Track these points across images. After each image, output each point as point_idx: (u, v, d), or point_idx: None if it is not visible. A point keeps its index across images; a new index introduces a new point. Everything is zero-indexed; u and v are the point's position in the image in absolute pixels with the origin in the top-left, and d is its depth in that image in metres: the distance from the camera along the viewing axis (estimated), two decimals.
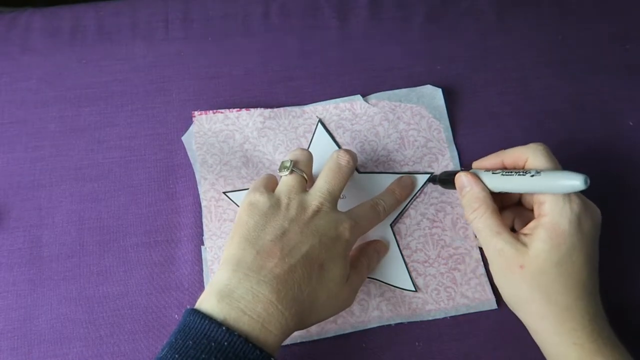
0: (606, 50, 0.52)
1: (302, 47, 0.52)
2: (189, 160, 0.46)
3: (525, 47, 0.52)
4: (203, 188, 0.45)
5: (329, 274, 0.35)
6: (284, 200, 0.37)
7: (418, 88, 0.49)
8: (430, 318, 0.41)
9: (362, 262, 0.40)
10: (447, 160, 0.46)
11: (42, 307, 0.41)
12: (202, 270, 0.42)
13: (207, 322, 0.30)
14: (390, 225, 0.44)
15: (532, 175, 0.34)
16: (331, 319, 0.41)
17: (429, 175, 0.45)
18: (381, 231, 0.44)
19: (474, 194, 0.37)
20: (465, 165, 0.46)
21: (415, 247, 0.43)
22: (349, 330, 0.41)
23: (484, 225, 0.36)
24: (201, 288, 0.42)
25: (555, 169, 0.36)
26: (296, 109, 0.48)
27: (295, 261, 0.34)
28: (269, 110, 0.48)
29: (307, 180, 0.39)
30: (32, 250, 0.43)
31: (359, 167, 0.46)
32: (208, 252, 0.43)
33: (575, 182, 0.32)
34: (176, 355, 0.30)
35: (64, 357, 0.40)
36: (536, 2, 0.54)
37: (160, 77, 0.50)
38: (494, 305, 0.41)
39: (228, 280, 0.33)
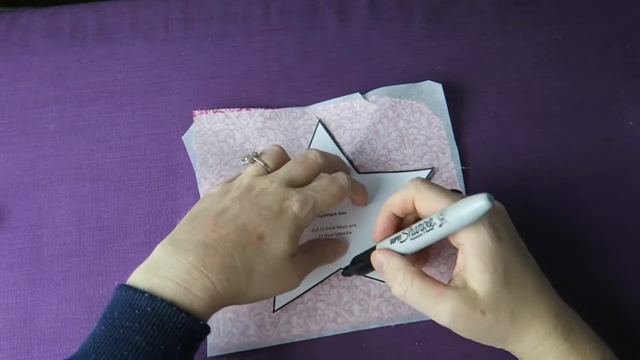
0: (606, 50, 0.52)
1: (302, 47, 0.52)
2: (189, 160, 0.46)
3: (525, 47, 0.52)
4: (203, 188, 0.45)
5: (269, 247, 0.34)
6: (235, 185, 0.37)
7: (418, 84, 0.49)
8: (430, 318, 0.41)
9: (315, 250, 0.40)
10: (448, 159, 0.46)
11: (42, 307, 0.41)
12: None
13: (131, 292, 0.30)
14: None
15: (440, 225, 0.31)
16: (331, 318, 0.41)
17: (428, 172, 0.45)
18: None
19: (394, 266, 0.34)
20: (466, 164, 0.46)
21: None
22: (349, 330, 0.41)
23: (419, 292, 0.33)
24: None
25: (446, 198, 0.33)
26: (296, 110, 0.48)
27: (227, 231, 0.34)
28: (270, 110, 0.48)
29: (270, 172, 0.39)
30: (32, 250, 0.43)
31: (358, 167, 0.46)
32: None
33: (481, 204, 0.29)
34: (102, 327, 0.30)
35: (64, 357, 0.39)
36: (536, 2, 0.54)
37: (160, 77, 0.50)
38: None
39: (157, 255, 0.33)
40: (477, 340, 0.34)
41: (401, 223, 0.38)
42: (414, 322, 0.41)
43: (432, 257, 0.41)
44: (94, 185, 0.45)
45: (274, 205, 0.35)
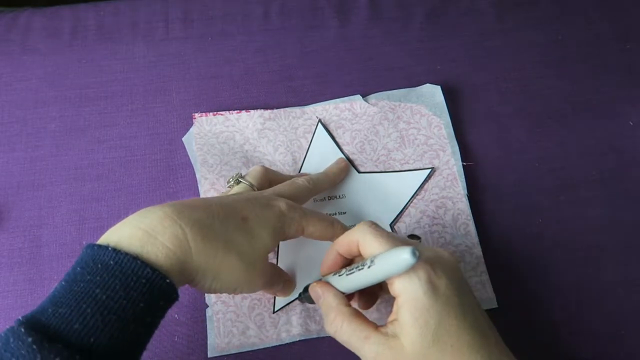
0: (606, 50, 0.52)
1: (302, 47, 0.52)
2: (189, 160, 0.46)
3: (525, 47, 0.52)
4: (203, 188, 0.45)
5: (252, 230, 0.33)
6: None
7: (417, 88, 0.49)
8: None
9: (278, 272, 0.39)
10: (449, 156, 0.46)
11: None
12: None
13: (96, 247, 0.29)
14: (390, 224, 0.44)
15: (369, 267, 0.31)
16: None
17: (429, 171, 0.45)
18: None
19: (327, 304, 0.34)
20: (467, 162, 0.46)
21: None
22: None
23: (348, 334, 0.32)
24: None
25: (388, 245, 0.32)
26: (296, 110, 0.48)
27: (212, 202, 0.33)
28: (269, 111, 0.48)
29: (254, 190, 0.39)
30: (32, 250, 0.43)
31: (358, 167, 0.46)
32: None
33: (404, 257, 0.28)
34: (63, 282, 0.28)
35: None
36: (536, 2, 0.54)
37: (160, 77, 0.50)
38: (495, 304, 0.41)
39: (130, 215, 0.31)
40: None
41: (351, 263, 0.37)
42: None
43: (379, 300, 0.40)
44: (94, 185, 0.45)
45: (261, 199, 0.35)
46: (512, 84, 0.50)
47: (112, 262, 0.28)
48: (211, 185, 0.45)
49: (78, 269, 0.28)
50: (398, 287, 0.31)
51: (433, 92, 0.49)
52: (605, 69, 0.51)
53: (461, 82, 0.50)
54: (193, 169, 0.46)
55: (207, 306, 0.41)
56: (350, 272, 0.33)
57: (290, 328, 0.40)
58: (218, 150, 0.46)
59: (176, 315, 0.41)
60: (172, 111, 0.48)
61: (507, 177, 0.46)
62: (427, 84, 0.49)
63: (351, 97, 0.48)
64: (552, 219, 0.45)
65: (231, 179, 0.40)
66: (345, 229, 0.38)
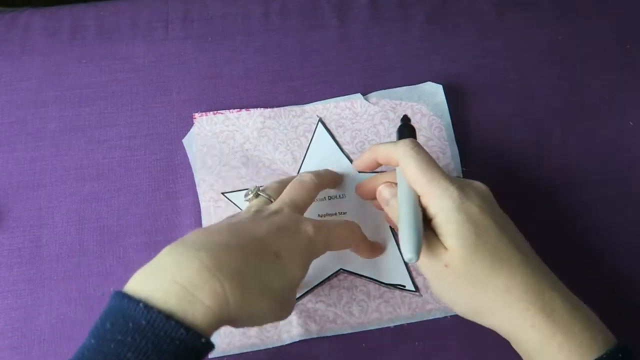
0: (606, 50, 0.52)
1: (302, 47, 0.52)
2: (189, 160, 0.46)
3: (525, 47, 0.52)
4: (202, 189, 0.45)
5: (285, 267, 0.32)
6: (243, 211, 0.36)
7: (419, 86, 0.49)
8: (430, 317, 0.41)
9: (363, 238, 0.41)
10: (448, 159, 0.46)
11: (42, 307, 0.41)
12: None
13: (125, 300, 0.27)
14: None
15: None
16: (330, 318, 0.41)
17: None
18: (381, 232, 0.43)
19: (394, 208, 0.37)
20: (466, 165, 0.46)
21: None
22: (348, 331, 0.41)
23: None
24: None
25: (428, 175, 0.34)
26: (296, 108, 0.48)
27: (244, 239, 0.31)
28: (269, 110, 0.48)
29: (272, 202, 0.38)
30: (32, 250, 0.43)
31: None
32: None
33: (407, 257, 0.32)
34: (92, 340, 0.27)
35: (64, 356, 0.40)
36: (536, 2, 0.54)
37: (160, 77, 0.50)
38: None
39: (164, 254, 0.30)
40: (451, 305, 0.35)
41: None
42: (414, 322, 0.41)
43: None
44: (94, 185, 0.45)
45: (290, 225, 0.34)
46: (512, 84, 0.50)
47: (144, 322, 0.26)
48: (209, 187, 0.45)
49: (108, 325, 0.27)
50: (434, 209, 0.34)
51: (434, 91, 0.48)
52: (605, 69, 0.51)
53: (461, 82, 0.50)
54: (193, 169, 0.46)
55: None
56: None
57: (291, 328, 0.40)
58: (218, 150, 0.46)
59: None
60: (172, 111, 0.48)
61: (507, 177, 0.46)
62: (429, 82, 0.49)
63: (352, 95, 0.48)
64: (552, 219, 0.45)
65: (250, 192, 0.38)
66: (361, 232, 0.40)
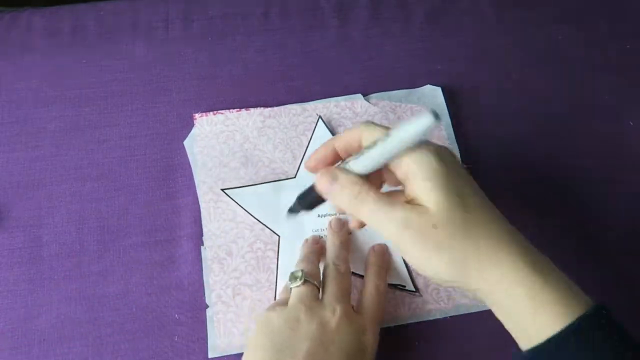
0: (606, 50, 0.52)
1: (302, 47, 0.52)
2: (188, 160, 0.46)
3: (525, 47, 0.52)
4: (202, 191, 0.45)
5: None
6: (302, 316, 0.36)
7: (418, 89, 0.49)
8: (430, 318, 0.41)
9: None
10: None
11: (42, 307, 0.41)
12: (202, 270, 0.42)
13: None
14: None
15: (385, 140, 0.31)
16: None
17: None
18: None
19: (350, 181, 0.32)
20: (467, 163, 0.46)
21: None
22: None
23: (375, 204, 0.31)
24: (201, 287, 0.42)
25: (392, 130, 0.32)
26: (296, 107, 0.48)
27: None
28: (269, 109, 0.48)
29: (319, 289, 0.38)
30: (32, 250, 0.43)
31: None
32: (208, 252, 0.43)
33: (426, 118, 0.29)
34: None
35: (64, 356, 0.40)
36: (536, 2, 0.54)
37: (160, 77, 0.50)
38: None
39: None
40: (435, 272, 0.31)
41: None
42: (414, 322, 0.41)
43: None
44: (94, 185, 0.45)
45: (354, 344, 0.36)
46: (512, 84, 0.50)
47: None
48: (209, 188, 0.45)
49: None
50: (407, 163, 0.31)
51: (434, 94, 0.49)
52: (605, 69, 0.51)
53: (461, 82, 0.50)
54: (193, 168, 0.46)
55: (208, 306, 0.41)
56: (358, 156, 0.32)
57: None
58: (218, 151, 0.46)
59: (176, 315, 0.41)
60: (172, 111, 0.48)
61: (507, 177, 0.46)
62: (428, 85, 0.49)
63: (352, 95, 0.48)
64: (552, 219, 0.45)
65: (298, 279, 0.38)
66: None
